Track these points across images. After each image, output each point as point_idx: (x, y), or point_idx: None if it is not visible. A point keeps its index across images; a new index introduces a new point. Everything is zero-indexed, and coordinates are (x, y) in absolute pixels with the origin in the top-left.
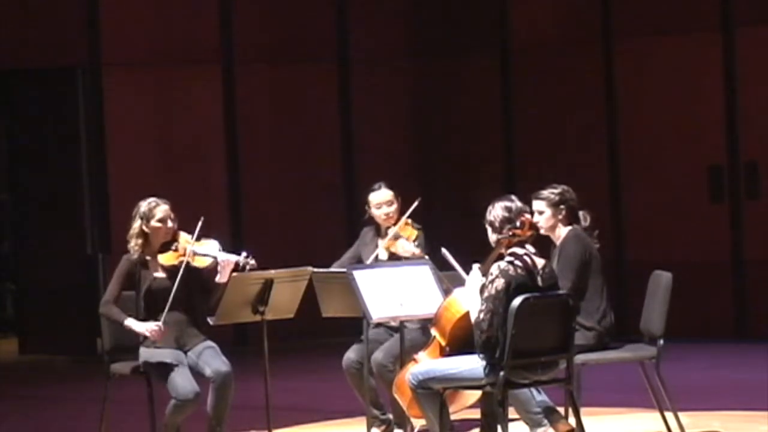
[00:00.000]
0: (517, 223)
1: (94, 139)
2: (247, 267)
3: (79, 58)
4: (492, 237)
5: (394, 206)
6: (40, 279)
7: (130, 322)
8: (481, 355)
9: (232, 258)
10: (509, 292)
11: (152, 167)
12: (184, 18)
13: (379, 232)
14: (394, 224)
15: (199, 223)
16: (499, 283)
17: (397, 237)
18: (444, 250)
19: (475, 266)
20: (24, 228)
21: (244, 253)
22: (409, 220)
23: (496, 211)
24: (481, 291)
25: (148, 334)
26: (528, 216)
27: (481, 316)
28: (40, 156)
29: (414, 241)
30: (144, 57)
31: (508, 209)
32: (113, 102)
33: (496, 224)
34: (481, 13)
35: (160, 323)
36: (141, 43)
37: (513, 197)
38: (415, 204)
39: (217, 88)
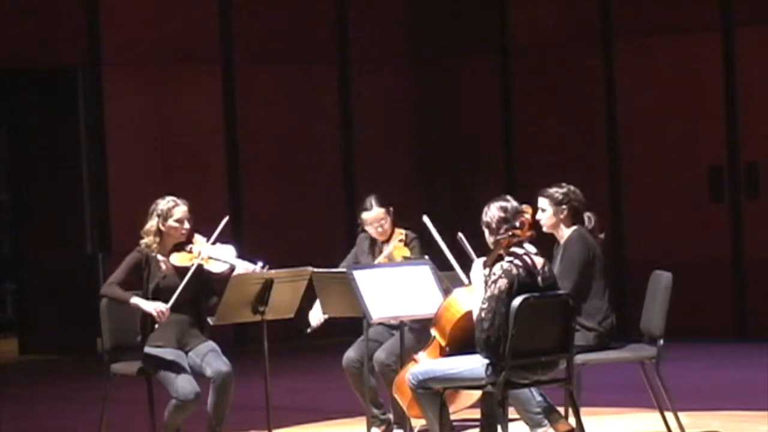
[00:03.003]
0: (517, 224)
1: (94, 139)
2: None
3: (79, 58)
4: (489, 238)
5: (387, 222)
6: (40, 279)
7: (137, 300)
8: (482, 354)
9: (249, 266)
10: (512, 292)
11: (152, 167)
12: (184, 18)
13: (375, 241)
14: (388, 239)
15: (221, 225)
16: (503, 283)
17: (390, 258)
18: (460, 235)
19: (478, 260)
20: (24, 228)
21: (260, 263)
22: (404, 237)
23: (492, 212)
24: (484, 288)
25: (154, 312)
26: (527, 216)
27: (483, 314)
28: (41, 156)
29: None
30: (144, 57)
31: (504, 209)
32: (113, 102)
33: (493, 225)
34: (481, 13)
35: (168, 305)
36: (141, 43)
37: (508, 197)
38: (402, 236)
39: (217, 88)
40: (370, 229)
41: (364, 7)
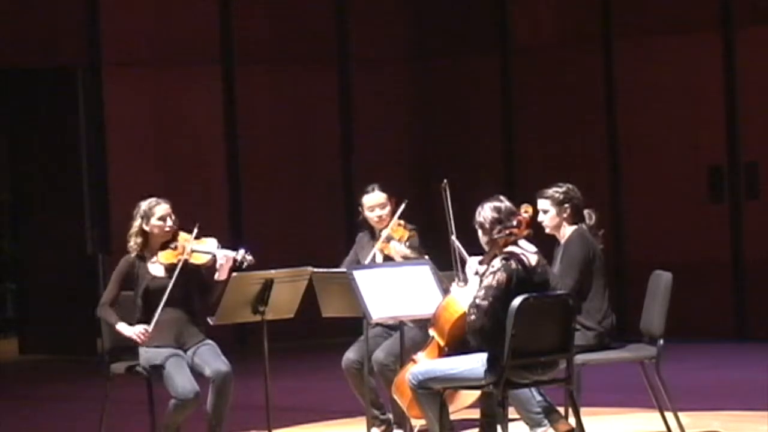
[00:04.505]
0: (514, 222)
1: (94, 139)
2: (245, 263)
3: (79, 58)
4: (482, 238)
5: (387, 209)
6: (40, 279)
7: (121, 327)
8: (472, 341)
9: (230, 254)
10: (510, 286)
11: (152, 167)
12: (184, 18)
13: (374, 234)
14: (386, 226)
15: (195, 228)
16: (501, 276)
17: (389, 239)
18: (453, 238)
19: (474, 258)
20: (24, 228)
21: (242, 250)
22: (402, 222)
23: (486, 213)
24: (481, 280)
25: (135, 338)
26: (523, 214)
27: (477, 301)
28: (40, 156)
29: (406, 242)
30: (144, 57)
31: (498, 210)
32: (113, 102)
33: (486, 226)
34: (481, 13)
35: (148, 327)
36: (141, 43)
37: (501, 197)
38: (402, 206)
39: (217, 88)
40: (370, 215)
41: (364, 7)
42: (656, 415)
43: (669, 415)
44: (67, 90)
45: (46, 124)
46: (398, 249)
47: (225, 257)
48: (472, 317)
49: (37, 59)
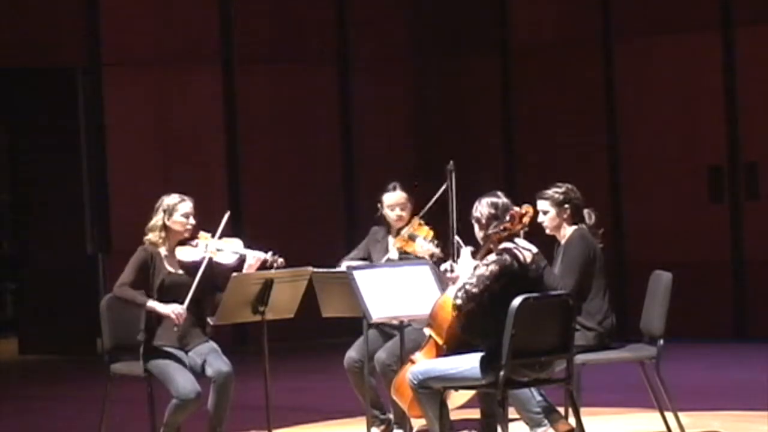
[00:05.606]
0: (507, 217)
1: (94, 139)
2: (275, 265)
3: (79, 58)
4: (479, 233)
5: (407, 209)
6: (40, 279)
7: (153, 304)
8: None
9: (260, 255)
10: (502, 279)
11: (152, 167)
12: (184, 18)
13: (390, 231)
14: (405, 225)
15: (224, 219)
16: (495, 268)
17: (413, 237)
18: (457, 238)
19: (467, 249)
20: (24, 228)
21: (270, 252)
22: (421, 221)
23: (483, 208)
24: (475, 269)
25: (172, 315)
26: (517, 209)
27: (466, 287)
28: (40, 156)
29: (431, 240)
30: (144, 57)
31: (494, 205)
32: (113, 102)
33: (483, 221)
34: (481, 13)
35: (184, 306)
36: (141, 43)
37: (499, 193)
38: (429, 204)
39: (217, 88)
40: (389, 213)
41: (364, 7)
42: (656, 415)
43: (669, 415)
44: (67, 90)
45: (46, 124)
46: (426, 247)
47: (255, 258)
48: (458, 301)
49: (37, 59)
